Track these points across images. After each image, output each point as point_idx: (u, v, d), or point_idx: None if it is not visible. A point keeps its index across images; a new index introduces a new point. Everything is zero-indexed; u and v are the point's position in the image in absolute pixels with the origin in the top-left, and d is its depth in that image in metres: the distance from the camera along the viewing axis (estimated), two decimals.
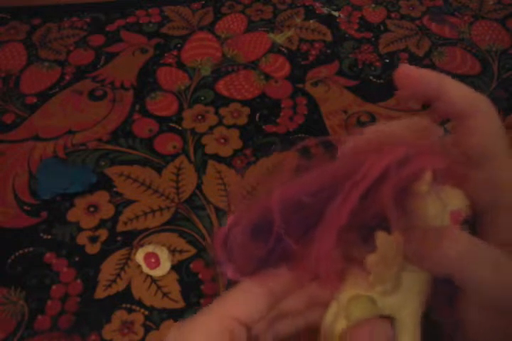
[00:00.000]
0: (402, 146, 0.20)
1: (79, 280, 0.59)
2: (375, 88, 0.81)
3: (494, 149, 0.21)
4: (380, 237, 0.19)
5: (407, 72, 0.22)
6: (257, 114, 0.77)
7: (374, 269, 0.20)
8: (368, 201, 0.19)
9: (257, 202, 0.21)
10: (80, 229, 0.63)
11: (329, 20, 0.93)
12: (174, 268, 0.59)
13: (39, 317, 0.57)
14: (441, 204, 0.21)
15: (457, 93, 0.21)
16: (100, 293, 0.57)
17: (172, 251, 0.60)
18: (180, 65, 0.85)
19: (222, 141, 0.73)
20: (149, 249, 0.60)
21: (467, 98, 0.21)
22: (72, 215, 0.64)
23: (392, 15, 0.94)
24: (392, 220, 0.19)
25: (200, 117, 0.76)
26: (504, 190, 0.21)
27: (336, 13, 0.94)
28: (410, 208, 0.20)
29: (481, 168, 0.21)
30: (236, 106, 0.78)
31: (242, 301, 0.21)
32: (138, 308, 0.56)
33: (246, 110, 0.77)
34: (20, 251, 0.62)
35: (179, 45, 0.88)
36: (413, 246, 0.20)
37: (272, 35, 0.90)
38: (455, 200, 0.22)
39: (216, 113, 0.77)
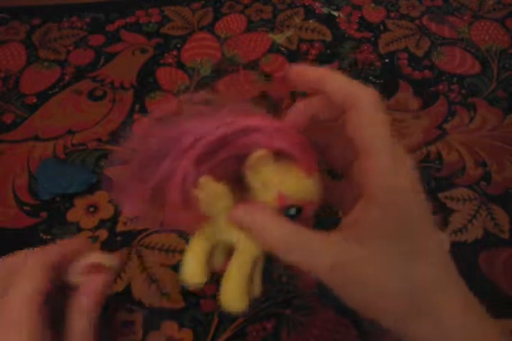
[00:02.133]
0: (251, 119, 0.22)
1: None
2: (375, 88, 0.81)
3: (372, 140, 0.21)
4: (204, 179, 0.22)
5: (295, 70, 0.23)
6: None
7: (202, 200, 0.23)
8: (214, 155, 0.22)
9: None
10: (80, 229, 0.63)
11: (329, 20, 0.93)
12: (174, 268, 0.59)
13: None
14: (274, 181, 0.23)
15: (334, 86, 0.22)
16: None
17: (172, 251, 0.60)
18: (180, 65, 0.85)
19: None
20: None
21: (344, 90, 0.22)
22: (72, 215, 0.64)
23: (392, 15, 0.94)
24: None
25: None
26: (376, 177, 0.21)
27: (335, 13, 0.94)
28: (243, 175, 0.23)
29: (360, 159, 0.22)
30: None
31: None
32: (138, 308, 0.56)
33: None
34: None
35: (179, 45, 0.88)
36: (240, 214, 0.23)
37: (271, 35, 0.90)
38: (291, 186, 0.23)
39: None
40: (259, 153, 0.22)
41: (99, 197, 0.66)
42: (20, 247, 0.62)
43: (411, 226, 0.20)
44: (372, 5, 0.96)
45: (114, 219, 0.64)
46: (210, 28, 0.91)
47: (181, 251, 0.60)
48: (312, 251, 0.20)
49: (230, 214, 0.23)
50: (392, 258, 0.20)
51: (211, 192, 0.22)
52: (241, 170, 0.23)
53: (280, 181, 0.23)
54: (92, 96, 0.80)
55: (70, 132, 0.75)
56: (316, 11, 0.94)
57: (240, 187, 0.23)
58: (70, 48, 0.88)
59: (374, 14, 0.94)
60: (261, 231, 0.22)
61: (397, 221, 0.20)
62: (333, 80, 0.22)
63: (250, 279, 0.25)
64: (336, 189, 0.26)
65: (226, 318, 0.54)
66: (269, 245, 0.22)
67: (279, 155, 0.23)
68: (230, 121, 0.22)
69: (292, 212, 0.23)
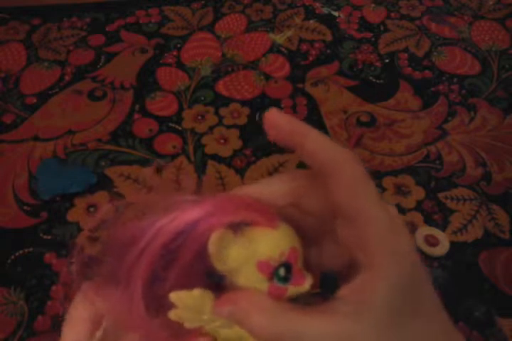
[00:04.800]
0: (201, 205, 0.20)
1: None
2: (375, 88, 0.81)
3: (368, 209, 0.20)
4: (174, 297, 0.20)
5: (274, 120, 0.21)
6: (257, 114, 0.77)
7: (182, 320, 0.20)
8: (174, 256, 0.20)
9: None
10: (80, 229, 0.63)
11: (329, 20, 0.93)
12: None
13: (39, 317, 0.57)
14: (245, 255, 0.20)
15: (318, 147, 0.21)
16: None
17: None
18: (180, 65, 0.85)
19: (222, 141, 0.73)
20: None
21: (328, 153, 0.21)
22: (72, 215, 0.64)
23: (392, 15, 0.94)
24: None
25: (200, 117, 0.76)
26: (371, 246, 0.20)
27: (335, 13, 0.94)
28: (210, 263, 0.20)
29: (349, 225, 0.21)
30: (236, 106, 0.78)
31: (71, 330, 0.23)
32: None
33: (246, 110, 0.77)
34: (20, 251, 0.62)
35: (179, 45, 0.88)
36: (227, 307, 0.20)
37: (271, 35, 0.90)
38: (264, 248, 0.20)
39: (216, 113, 0.77)
40: (215, 235, 0.19)
41: (99, 197, 0.66)
42: (21, 247, 0.62)
43: (415, 294, 0.20)
44: (373, 5, 0.96)
45: None
46: (210, 28, 0.91)
47: None
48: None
49: (216, 311, 0.20)
50: (390, 327, 0.20)
51: (188, 306, 0.20)
52: (208, 264, 0.20)
53: (251, 251, 0.20)
54: (92, 96, 0.80)
55: (70, 132, 0.75)
56: (316, 11, 0.94)
57: (215, 285, 0.21)
58: (70, 48, 0.88)
59: (374, 14, 0.94)
60: (255, 328, 0.20)
61: (403, 291, 0.20)
62: (314, 139, 0.21)
63: None
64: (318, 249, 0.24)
65: None
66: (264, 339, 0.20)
67: (236, 227, 0.20)
68: (170, 219, 0.20)
69: (282, 273, 0.20)
